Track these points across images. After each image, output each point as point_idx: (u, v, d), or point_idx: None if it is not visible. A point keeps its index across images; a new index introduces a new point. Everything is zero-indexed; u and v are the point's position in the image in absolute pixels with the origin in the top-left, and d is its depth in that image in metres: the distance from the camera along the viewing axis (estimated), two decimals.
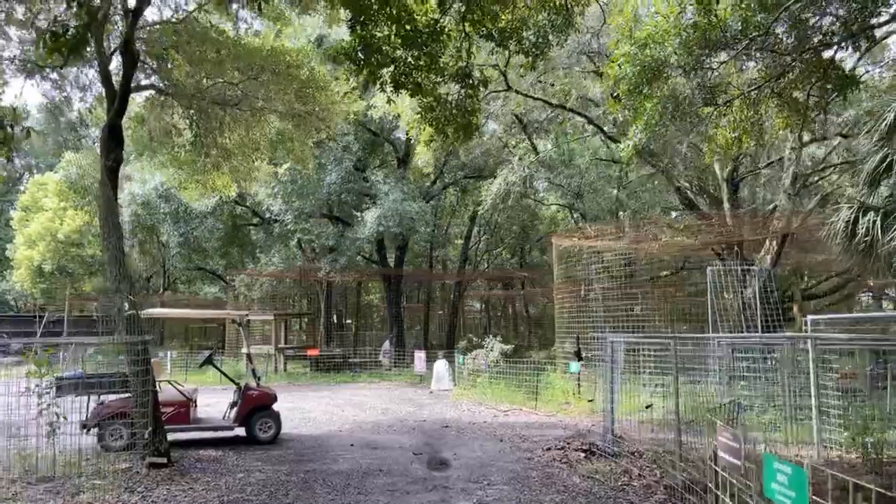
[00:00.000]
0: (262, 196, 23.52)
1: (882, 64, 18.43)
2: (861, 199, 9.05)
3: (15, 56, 10.56)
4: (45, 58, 7.39)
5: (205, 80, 10.69)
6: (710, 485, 5.78)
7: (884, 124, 8.59)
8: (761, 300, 14.58)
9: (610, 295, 16.98)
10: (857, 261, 9.13)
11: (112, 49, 9.78)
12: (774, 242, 16.51)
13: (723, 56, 9.50)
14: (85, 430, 9.24)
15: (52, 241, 27.08)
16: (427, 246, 33.52)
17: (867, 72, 17.33)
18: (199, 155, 11.52)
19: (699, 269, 16.99)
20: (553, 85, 14.73)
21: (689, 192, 17.48)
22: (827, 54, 9.26)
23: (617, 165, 26.62)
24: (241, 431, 10.29)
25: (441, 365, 18.40)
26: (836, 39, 8.73)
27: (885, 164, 8.67)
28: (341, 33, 21.17)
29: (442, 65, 9.07)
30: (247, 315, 10.68)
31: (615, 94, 11.32)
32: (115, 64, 10.14)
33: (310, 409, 14.38)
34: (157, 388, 10.69)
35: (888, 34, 12.61)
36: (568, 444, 9.62)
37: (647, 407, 10.23)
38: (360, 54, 8.49)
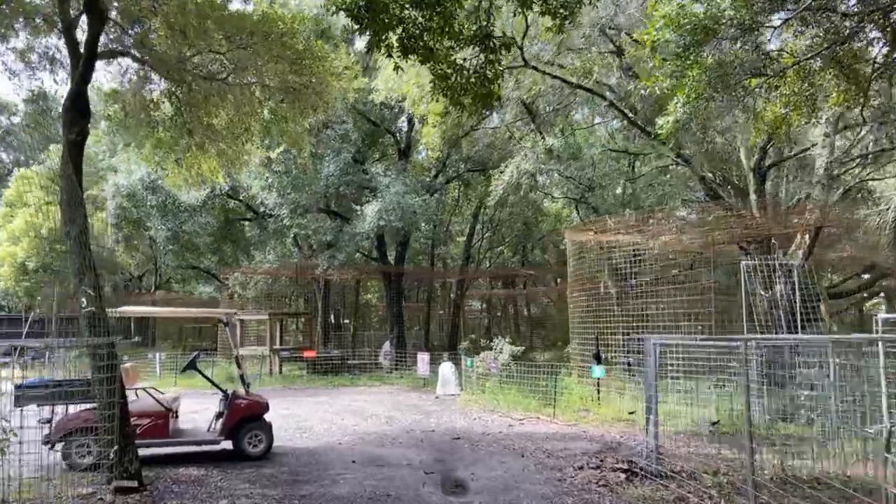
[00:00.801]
0: (256, 189, 22.30)
1: None
2: None
3: None
4: None
5: (187, 49, 9.45)
6: None
7: None
8: (790, 298, 13.44)
9: (629, 293, 15.80)
10: None
11: (80, 11, 8.55)
12: (806, 236, 15.34)
13: (779, 18, 8.33)
14: (49, 447, 8.04)
15: (36, 237, 25.83)
16: (428, 243, 32.28)
17: None
18: (181, 135, 10.29)
19: (707, 267, 15.86)
20: (573, 63, 13.52)
21: (713, 182, 16.28)
22: None
23: (627, 158, 25.45)
24: (228, 445, 9.08)
25: (447, 368, 17.18)
26: None
27: None
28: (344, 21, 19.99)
29: (457, 27, 7.89)
30: (234, 314, 9.45)
31: (650, 65, 10.11)
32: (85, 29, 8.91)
33: (306, 416, 13.16)
34: (135, 395, 9.50)
35: None
36: (601, 461, 8.41)
37: (713, 424, 9.02)
38: (363, 11, 7.28)
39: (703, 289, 14.95)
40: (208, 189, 20.39)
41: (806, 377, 9.15)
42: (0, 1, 7.54)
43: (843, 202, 17.92)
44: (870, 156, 17.51)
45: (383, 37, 7.57)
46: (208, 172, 11.81)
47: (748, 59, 8.62)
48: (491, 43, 7.90)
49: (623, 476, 7.59)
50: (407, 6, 7.56)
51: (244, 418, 9.04)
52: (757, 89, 9.02)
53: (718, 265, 17.49)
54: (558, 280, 44.62)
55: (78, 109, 7.69)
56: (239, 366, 9.22)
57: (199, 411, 13.56)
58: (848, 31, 8.35)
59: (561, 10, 8.42)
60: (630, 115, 14.58)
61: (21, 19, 8.99)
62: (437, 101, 9.36)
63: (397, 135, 24.83)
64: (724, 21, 7.61)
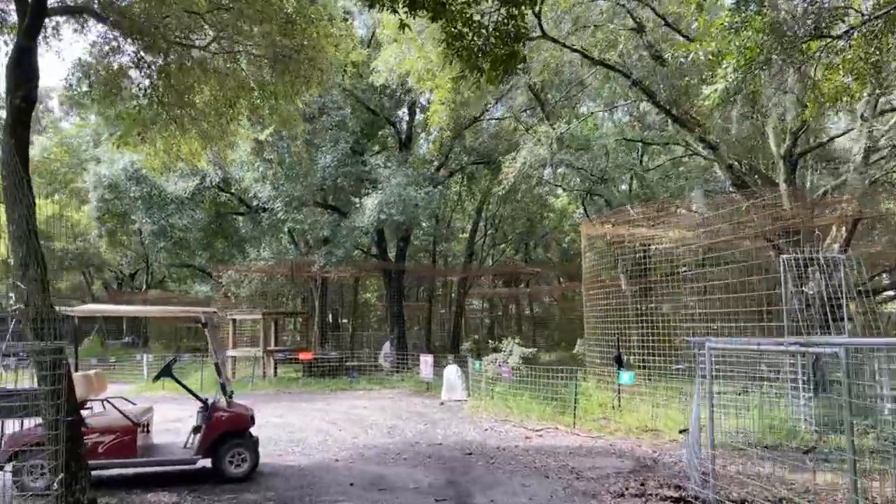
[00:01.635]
0: (249, 181, 21.08)
1: None
2: None
3: None
4: None
5: (161, 9, 8.23)
6: None
7: None
8: (829, 295, 12.27)
9: (651, 290, 14.62)
10: None
11: None
12: (843, 228, 14.14)
13: None
14: None
15: None
16: (430, 240, 31.09)
17: None
18: (156, 110, 9.06)
19: (719, 263, 14.69)
20: (594, 36, 12.31)
21: (740, 171, 15.07)
22: None
23: (636, 151, 24.25)
24: (207, 463, 7.87)
25: (452, 372, 15.96)
26: None
27: None
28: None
29: None
30: (214, 313, 8.24)
31: (693, 25, 8.89)
32: None
33: (299, 426, 11.93)
34: (101, 407, 8.30)
35: None
36: (642, 484, 7.21)
37: (806, 452, 7.84)
38: None
39: (733, 286, 13.77)
40: (197, 181, 19.19)
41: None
42: None
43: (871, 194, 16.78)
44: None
45: None
46: (189, 155, 10.59)
47: (809, 17, 7.43)
48: None
49: None
50: None
51: (225, 433, 7.83)
52: (817, 53, 7.81)
53: (746, 260, 16.29)
54: (561, 279, 43.53)
55: (23, 70, 6.46)
56: (219, 373, 7.99)
57: (183, 419, 12.36)
58: None
59: None
60: (654, 97, 13.34)
61: None
62: (451, 64, 8.10)
63: (398, 125, 23.60)
64: None
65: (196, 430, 7.90)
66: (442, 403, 15.03)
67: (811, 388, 10.49)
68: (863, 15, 7.56)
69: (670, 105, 13.55)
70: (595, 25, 13.95)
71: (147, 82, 8.96)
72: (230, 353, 22.31)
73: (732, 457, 8.49)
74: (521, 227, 34.44)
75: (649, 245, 14.83)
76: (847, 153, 22.46)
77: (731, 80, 7.43)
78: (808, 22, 7.32)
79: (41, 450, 6.65)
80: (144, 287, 34.19)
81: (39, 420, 7.13)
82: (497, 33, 6.86)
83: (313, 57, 8.58)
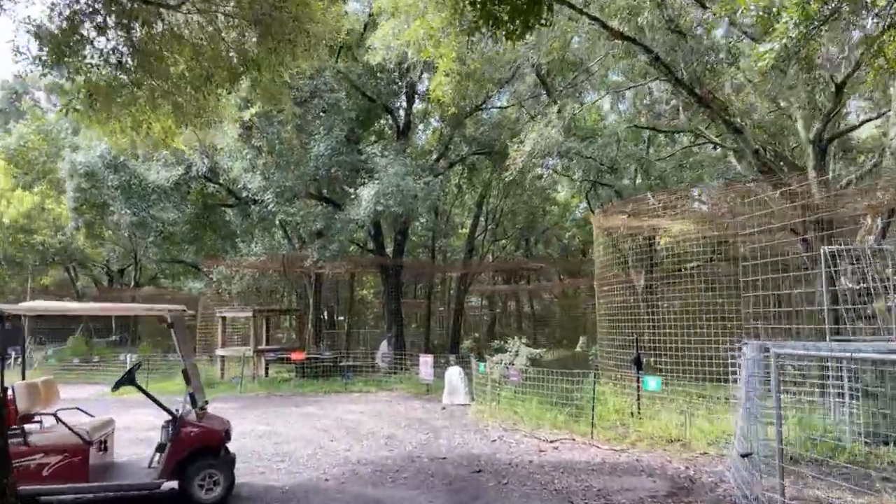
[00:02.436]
0: (237, 171, 19.91)
1: None
2: None
3: None
4: None
5: None
6: None
7: None
8: (863, 291, 11.22)
9: (670, 287, 13.53)
10: None
11: None
12: (879, 218, 13.05)
13: None
14: None
15: None
16: (428, 235, 29.94)
17: None
18: (117, 76, 7.91)
19: (737, 258, 13.60)
20: (614, 3, 11.15)
21: (767, 157, 13.96)
22: None
23: (644, 140, 23.15)
24: (174, 484, 6.73)
25: (455, 374, 14.84)
26: None
27: None
28: None
29: None
30: (182, 311, 7.07)
31: None
32: None
33: (287, 435, 10.80)
34: (54, 420, 7.15)
35: None
36: None
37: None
38: None
39: (758, 283, 12.69)
40: (181, 170, 18.01)
41: None
42: None
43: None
44: None
45: None
46: (162, 134, 9.42)
47: None
48: None
49: None
50: None
51: (195, 452, 6.69)
52: (887, 9, 6.69)
53: (768, 254, 15.15)
54: (561, 276, 42.44)
55: None
56: (188, 380, 6.84)
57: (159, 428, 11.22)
58: None
59: None
60: (675, 75, 12.21)
61: None
62: (461, 18, 6.94)
63: (395, 113, 22.44)
64: None
65: (160, 448, 6.76)
66: (444, 408, 13.91)
67: (857, 394, 9.40)
68: None
69: (693, 83, 12.43)
70: None
71: (109, 46, 7.80)
72: (219, 352, 21.17)
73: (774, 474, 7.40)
74: (522, 221, 33.34)
75: (667, 237, 13.74)
76: (865, 143, 21.40)
77: (792, 36, 6.30)
78: None
79: None
80: (133, 283, 32.96)
81: None
82: None
83: (298, 16, 7.42)
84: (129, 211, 16.27)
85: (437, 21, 8.88)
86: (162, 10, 7.87)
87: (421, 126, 27.63)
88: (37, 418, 6.92)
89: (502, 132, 23.48)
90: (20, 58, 7.44)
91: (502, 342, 15.61)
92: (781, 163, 15.34)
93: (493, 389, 13.22)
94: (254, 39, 8.14)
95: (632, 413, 11.69)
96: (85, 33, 7.78)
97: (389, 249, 24.00)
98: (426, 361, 16.61)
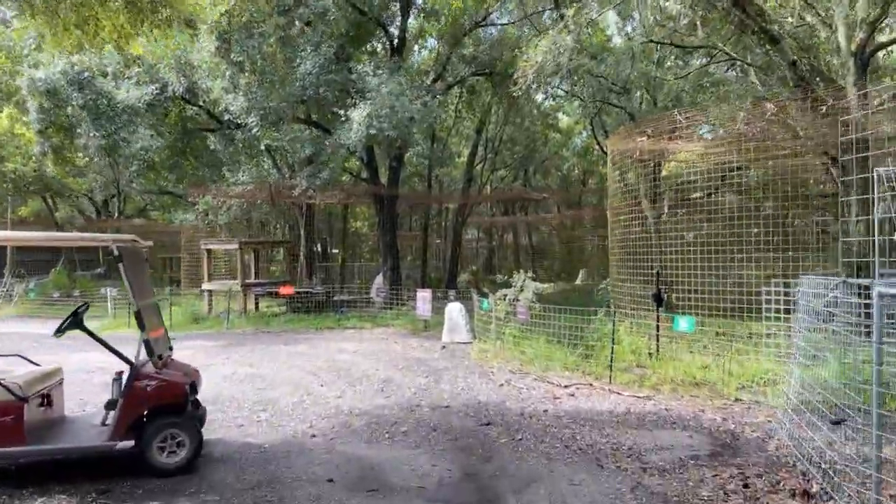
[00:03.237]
0: (218, 92, 18.31)
1: None
2: None
3: None
4: None
5: None
6: None
7: None
8: None
9: (694, 215, 12.34)
10: None
11: None
12: None
13: None
14: None
15: None
16: (425, 164, 28.47)
17: None
18: None
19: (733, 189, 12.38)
20: None
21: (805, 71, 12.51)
22: None
23: (652, 63, 21.47)
24: (130, 443, 5.65)
25: (455, 310, 13.80)
26: None
27: None
28: None
29: None
30: (133, 241, 5.84)
31: None
32: None
33: (273, 378, 9.79)
34: None
35: None
36: (745, 483, 5.07)
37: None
38: None
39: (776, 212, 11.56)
40: (155, 88, 16.43)
41: None
42: None
43: None
44: None
45: None
46: (113, 33, 7.97)
47: None
48: None
49: None
50: None
51: (153, 410, 5.61)
52: None
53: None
54: (560, 207, 41.22)
55: None
56: (142, 326, 5.67)
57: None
58: None
59: None
60: None
61: None
62: None
63: (388, 28, 20.62)
64: None
65: (110, 405, 5.66)
66: (443, 347, 12.92)
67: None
68: None
69: None
70: None
71: None
72: (205, 286, 20.11)
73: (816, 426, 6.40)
74: (522, 150, 31.83)
75: (688, 161, 12.45)
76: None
77: None
78: None
79: None
80: (117, 214, 31.57)
81: None
82: None
83: None
84: (97, 133, 14.80)
85: None
86: None
87: (416, 48, 25.79)
88: None
89: (504, 51, 21.78)
90: None
91: (505, 276, 14.50)
92: (817, 78, 13.91)
93: (498, 328, 12.20)
94: None
95: (650, 353, 10.71)
96: None
97: (384, 179, 22.66)
98: (424, 297, 15.55)
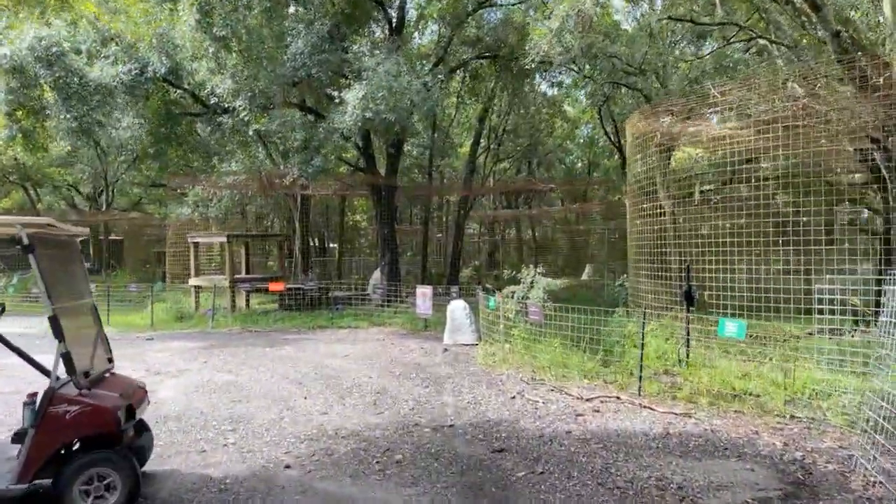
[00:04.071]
0: (204, 73, 17.05)
1: None
2: None
3: None
4: None
5: None
6: None
7: None
8: None
9: (727, 205, 11.09)
10: None
11: None
12: None
13: None
14: None
15: None
16: (425, 153, 27.17)
17: None
18: None
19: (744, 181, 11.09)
20: None
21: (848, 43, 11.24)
22: None
23: (670, 40, 20.16)
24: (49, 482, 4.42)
25: (459, 309, 12.56)
26: None
27: None
28: None
29: None
30: (48, 226, 4.53)
31: None
32: None
33: (251, 389, 8.56)
34: None
35: None
36: None
37: None
38: None
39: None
40: (133, 67, 15.15)
41: None
42: None
43: None
44: None
45: None
46: None
47: None
48: None
49: None
50: None
51: (76, 443, 4.39)
52: None
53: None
54: (564, 201, 39.92)
55: None
56: (59, 335, 4.42)
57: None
58: None
59: None
60: None
61: None
62: None
63: (386, 6, 19.32)
64: None
65: (18, 437, 4.42)
66: (446, 350, 11.68)
67: None
68: None
69: None
70: None
71: None
72: (192, 282, 18.90)
73: None
74: (528, 139, 30.51)
75: (720, 144, 11.16)
76: None
77: None
78: None
79: None
80: (105, 207, 30.30)
81: None
82: None
83: None
84: (67, 115, 13.54)
85: None
86: None
87: (416, 34, 24.48)
88: None
89: (509, 34, 20.51)
90: None
91: (513, 272, 13.26)
92: (859, 53, 12.64)
93: (507, 328, 10.95)
94: None
95: (679, 359, 9.47)
96: None
97: (382, 169, 21.40)
98: (424, 294, 14.32)
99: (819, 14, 10.67)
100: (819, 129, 10.82)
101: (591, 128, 36.05)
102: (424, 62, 21.08)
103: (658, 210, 11.06)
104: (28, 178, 25.73)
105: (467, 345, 12.06)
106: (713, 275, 10.05)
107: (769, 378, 8.40)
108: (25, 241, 4.32)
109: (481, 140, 27.10)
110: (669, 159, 12.48)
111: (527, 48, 11.00)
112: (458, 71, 22.63)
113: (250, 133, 17.57)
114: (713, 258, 10.21)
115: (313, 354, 11.30)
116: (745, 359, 9.39)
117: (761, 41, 16.93)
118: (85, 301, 5.22)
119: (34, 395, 4.51)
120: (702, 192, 11.88)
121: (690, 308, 9.47)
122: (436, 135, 26.37)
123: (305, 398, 8.02)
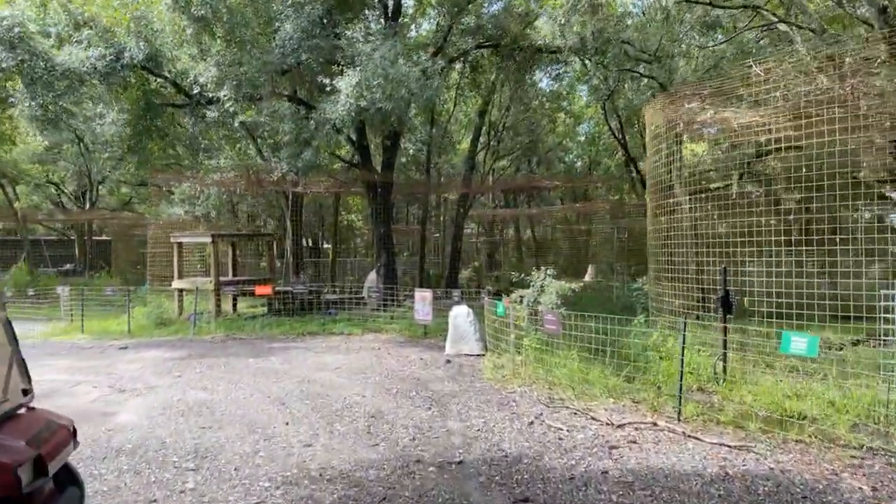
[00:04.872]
0: (185, 61, 15.91)
1: None
2: None
3: None
4: None
5: None
6: None
7: None
8: None
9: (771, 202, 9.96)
10: None
11: None
12: None
13: None
14: None
15: None
16: (423, 149, 25.98)
17: None
18: None
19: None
20: None
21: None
22: None
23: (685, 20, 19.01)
24: None
25: (462, 315, 11.39)
26: None
27: None
28: None
29: None
30: None
31: None
32: None
33: (225, 411, 7.38)
34: None
35: None
36: None
37: None
38: None
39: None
40: (106, 52, 13.95)
41: None
42: None
43: None
44: None
45: None
46: None
47: None
48: None
49: None
50: None
51: None
52: None
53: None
54: (563, 200, 38.83)
55: None
56: None
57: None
58: None
59: None
60: None
61: None
62: None
63: None
64: None
65: None
66: (448, 361, 10.51)
67: None
68: None
69: None
70: None
71: None
72: (176, 284, 17.69)
73: None
74: (529, 135, 29.39)
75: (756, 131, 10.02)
76: None
77: None
78: None
79: None
80: (88, 206, 29.04)
81: None
82: None
83: None
84: (33, 103, 12.34)
85: None
86: None
87: (412, 27, 23.34)
88: None
89: (511, 23, 19.40)
90: None
91: (521, 274, 12.09)
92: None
93: (517, 338, 9.78)
94: None
95: (716, 375, 8.33)
96: None
97: (378, 165, 20.21)
98: (424, 298, 13.15)
99: None
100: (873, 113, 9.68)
101: (592, 125, 35.06)
102: (422, 53, 19.92)
103: (687, 205, 9.92)
104: (4, 175, 24.46)
105: (472, 355, 10.90)
106: (751, 277, 8.93)
107: (823, 397, 7.29)
108: None
109: (481, 136, 25.95)
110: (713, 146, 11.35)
111: (530, 34, 9.85)
112: (457, 62, 21.46)
113: (236, 125, 16.38)
114: (751, 259, 9.09)
115: (301, 367, 10.12)
116: (791, 372, 8.27)
117: (782, 26, 15.85)
118: None
119: None
120: (740, 182, 10.75)
121: (728, 316, 8.33)
122: (434, 130, 25.21)
123: (287, 423, 6.84)
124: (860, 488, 4.88)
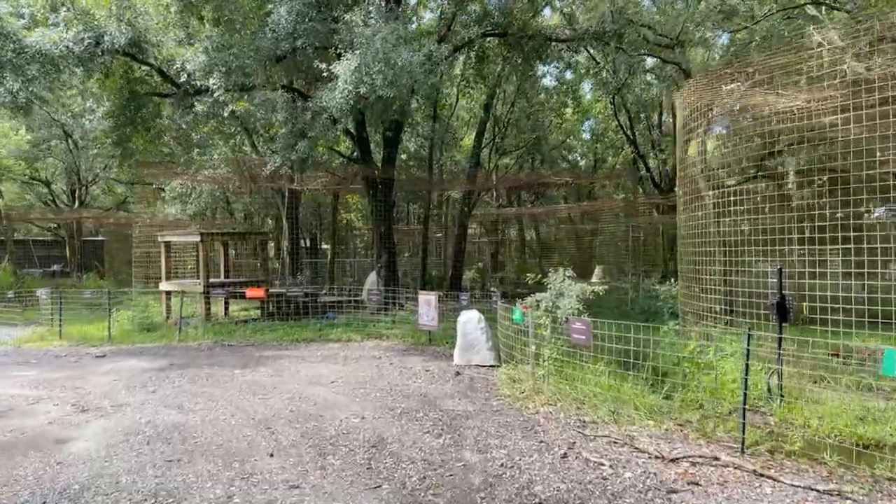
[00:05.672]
0: (172, 46, 14.81)
1: None
2: None
3: None
4: None
5: None
6: None
7: None
8: None
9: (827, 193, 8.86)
10: None
11: None
12: None
13: None
14: None
15: None
16: (425, 144, 24.87)
17: None
18: None
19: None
20: None
21: None
22: None
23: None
24: None
25: (472, 321, 10.26)
26: None
27: None
28: None
29: None
30: None
31: None
32: None
33: (199, 438, 6.25)
34: None
35: None
36: None
37: None
38: None
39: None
40: (84, 35, 12.84)
41: None
42: None
43: None
44: None
45: None
46: None
47: None
48: None
49: None
50: None
51: None
52: None
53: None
54: (566, 198, 37.80)
55: None
56: None
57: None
58: None
59: None
60: None
61: None
62: None
63: None
64: None
65: None
66: (458, 373, 9.38)
67: None
68: None
69: None
70: None
71: None
72: (163, 286, 16.56)
73: None
74: (534, 130, 28.28)
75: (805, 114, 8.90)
76: None
77: None
78: None
79: None
80: (78, 204, 27.90)
81: None
82: None
83: None
84: (5, 90, 11.19)
85: None
86: None
87: (413, 18, 22.24)
88: None
89: (517, 4, 18.38)
90: None
91: (537, 275, 10.95)
92: None
93: (538, 349, 8.64)
94: None
95: (770, 393, 7.20)
96: None
97: (379, 158, 19.09)
98: (428, 301, 12.01)
99: None
100: None
101: (597, 121, 34.15)
102: (426, 40, 18.81)
103: (730, 199, 8.78)
104: None
105: (483, 366, 9.78)
106: (806, 280, 7.81)
107: None
108: None
109: (486, 130, 24.82)
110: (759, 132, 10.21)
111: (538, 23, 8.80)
112: (462, 51, 20.34)
113: (225, 115, 15.24)
114: (802, 259, 7.98)
115: (292, 380, 8.99)
116: (858, 387, 7.17)
117: (810, 10, 14.78)
118: None
119: None
120: (799, 171, 9.63)
121: (784, 324, 7.21)
122: (437, 125, 24.08)
123: (272, 455, 5.72)
124: None
